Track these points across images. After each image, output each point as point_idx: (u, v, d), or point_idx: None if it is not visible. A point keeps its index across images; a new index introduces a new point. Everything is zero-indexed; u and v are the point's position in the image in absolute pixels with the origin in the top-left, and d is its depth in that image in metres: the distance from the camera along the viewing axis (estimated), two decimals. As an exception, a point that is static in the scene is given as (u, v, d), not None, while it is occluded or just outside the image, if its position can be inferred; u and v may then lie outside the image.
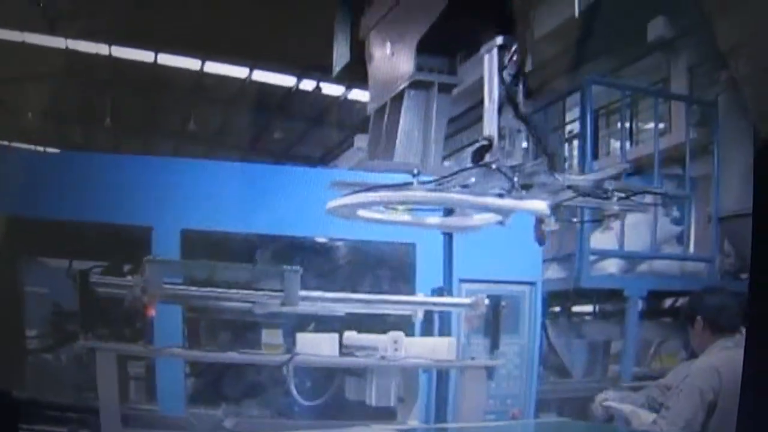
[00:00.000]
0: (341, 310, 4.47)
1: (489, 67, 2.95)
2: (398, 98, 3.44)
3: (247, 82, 12.74)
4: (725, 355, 3.89)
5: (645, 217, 6.10)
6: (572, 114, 7.48)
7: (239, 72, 12.52)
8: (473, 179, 2.95)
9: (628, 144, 7.73)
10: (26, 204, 4.96)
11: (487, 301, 4.51)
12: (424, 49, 3.32)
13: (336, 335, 4.33)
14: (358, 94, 11.47)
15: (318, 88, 12.68)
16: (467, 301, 4.58)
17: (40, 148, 10.33)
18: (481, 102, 2.98)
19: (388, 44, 3.53)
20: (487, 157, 2.89)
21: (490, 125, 2.93)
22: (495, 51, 2.92)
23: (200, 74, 12.51)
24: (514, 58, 2.91)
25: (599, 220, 4.16)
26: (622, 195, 3.11)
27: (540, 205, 2.97)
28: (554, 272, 6.40)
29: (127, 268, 5.17)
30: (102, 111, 13.00)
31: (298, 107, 13.73)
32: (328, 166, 13.68)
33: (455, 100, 3.65)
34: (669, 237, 6.64)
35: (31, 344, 5.65)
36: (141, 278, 3.98)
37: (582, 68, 8.01)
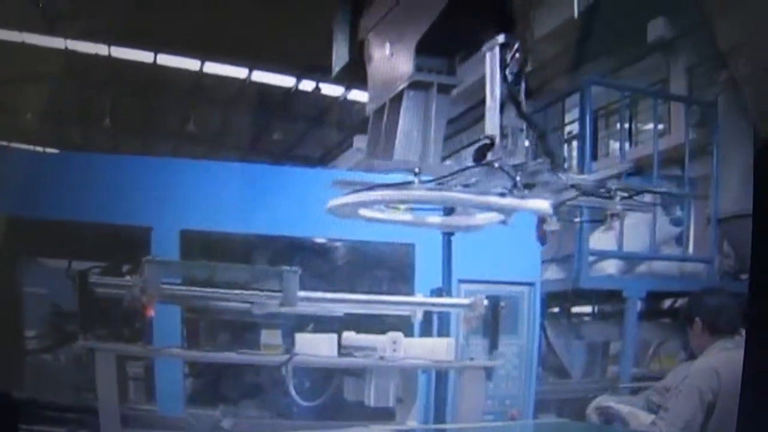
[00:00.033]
0: (340, 310, 4.46)
1: (491, 66, 2.92)
2: (397, 99, 3.42)
3: (247, 83, 12.75)
4: (724, 356, 3.90)
5: (644, 217, 6.10)
6: (572, 115, 7.47)
7: (239, 72, 12.53)
8: (475, 178, 2.93)
9: (627, 145, 7.75)
10: (25, 204, 4.95)
11: (486, 302, 4.48)
12: (423, 49, 3.30)
13: (335, 336, 4.31)
14: (358, 95, 11.50)
15: (317, 88, 12.69)
16: (466, 301, 4.56)
17: (40, 149, 10.33)
18: (481, 102, 2.97)
19: (388, 45, 3.52)
20: (489, 156, 2.86)
21: (492, 124, 2.90)
22: (497, 49, 2.90)
23: (200, 75, 12.52)
24: (516, 56, 2.89)
25: (601, 220, 4.13)
26: (625, 194, 3.09)
27: (543, 204, 2.95)
28: (553, 273, 6.40)
29: (126, 269, 5.15)
30: (101, 111, 13.02)
31: (298, 108, 13.75)
32: (328, 167, 13.70)
33: (454, 101, 3.64)
34: (668, 238, 6.64)
35: (30, 344, 5.64)
36: (140, 279, 3.95)
37: (581, 69, 8.03)
